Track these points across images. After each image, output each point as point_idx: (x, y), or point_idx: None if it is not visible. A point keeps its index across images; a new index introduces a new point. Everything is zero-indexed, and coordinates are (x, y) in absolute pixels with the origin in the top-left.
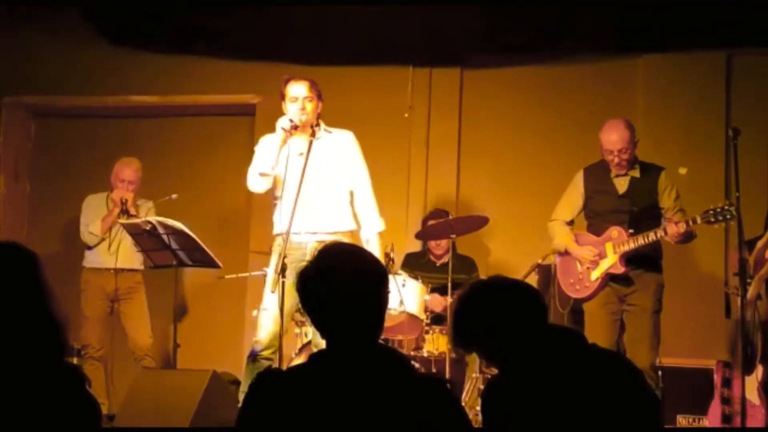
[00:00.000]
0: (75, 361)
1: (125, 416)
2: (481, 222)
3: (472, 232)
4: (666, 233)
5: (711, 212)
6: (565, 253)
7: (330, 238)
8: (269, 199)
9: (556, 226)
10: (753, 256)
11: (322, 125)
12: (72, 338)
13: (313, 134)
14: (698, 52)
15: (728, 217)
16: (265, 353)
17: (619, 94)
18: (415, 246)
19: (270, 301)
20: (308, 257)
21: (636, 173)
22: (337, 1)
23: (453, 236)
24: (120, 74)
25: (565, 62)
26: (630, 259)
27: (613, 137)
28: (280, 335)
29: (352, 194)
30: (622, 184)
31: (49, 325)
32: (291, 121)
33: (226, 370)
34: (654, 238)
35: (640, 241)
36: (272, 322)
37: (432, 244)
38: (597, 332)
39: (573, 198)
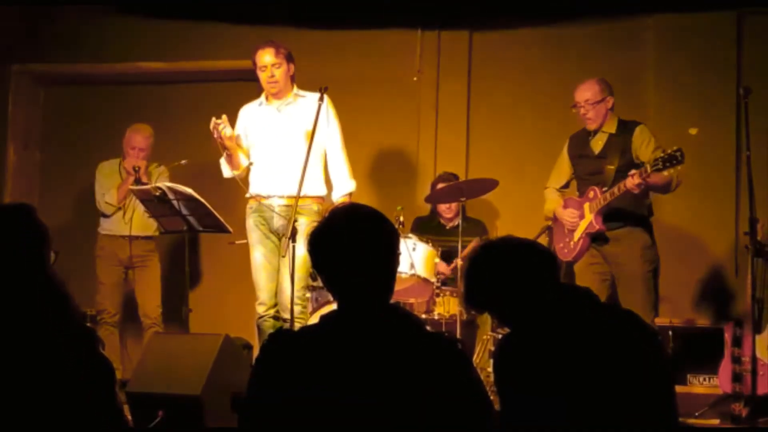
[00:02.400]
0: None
1: (138, 381)
2: (490, 184)
3: (482, 195)
4: (626, 186)
5: (659, 160)
6: (554, 219)
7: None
8: None
9: (547, 193)
10: None
11: (295, 89)
12: (87, 304)
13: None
14: (708, 12)
15: (675, 162)
16: (271, 312)
17: (629, 54)
18: (425, 210)
19: (257, 261)
20: (276, 217)
21: (612, 129)
22: None
23: (463, 199)
24: (128, 41)
25: (575, 23)
26: (610, 216)
27: (580, 90)
28: (291, 299)
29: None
30: (598, 145)
31: (55, 287)
32: (216, 127)
33: (238, 334)
34: (617, 192)
35: (608, 197)
36: (269, 279)
37: (442, 207)
38: None
39: (561, 165)
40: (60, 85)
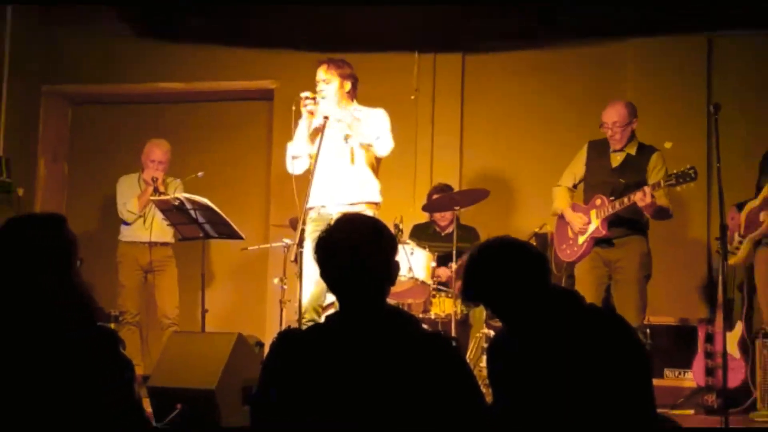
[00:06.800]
0: (113, 326)
1: (158, 376)
2: (482, 195)
3: (474, 204)
4: (634, 200)
5: (673, 176)
6: (561, 217)
7: (353, 209)
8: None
9: (558, 191)
10: (744, 216)
11: (354, 104)
12: (110, 305)
13: (326, 116)
14: (681, 36)
15: (688, 179)
16: (307, 316)
17: (611, 75)
18: (422, 218)
19: (308, 268)
20: None
21: (632, 151)
22: None
23: (457, 208)
24: (148, 64)
25: (561, 46)
26: (613, 223)
27: (610, 112)
28: (300, 301)
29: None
30: (617, 159)
31: (80, 292)
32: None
33: (250, 333)
34: (627, 202)
35: (617, 205)
36: (311, 284)
37: (437, 215)
38: (583, 294)
39: (576, 166)
40: (87, 104)
